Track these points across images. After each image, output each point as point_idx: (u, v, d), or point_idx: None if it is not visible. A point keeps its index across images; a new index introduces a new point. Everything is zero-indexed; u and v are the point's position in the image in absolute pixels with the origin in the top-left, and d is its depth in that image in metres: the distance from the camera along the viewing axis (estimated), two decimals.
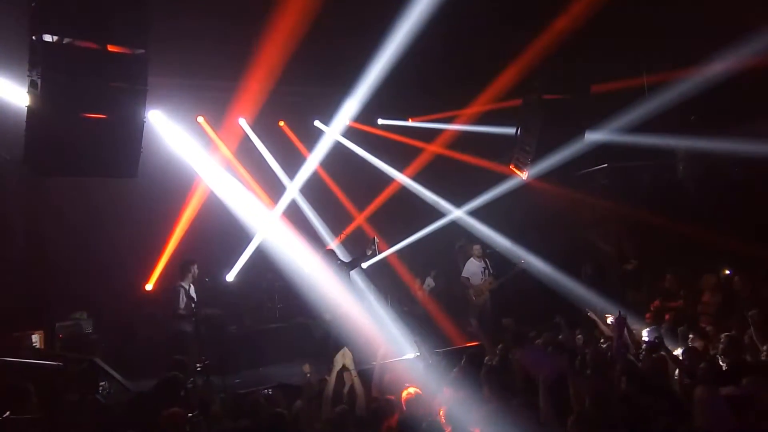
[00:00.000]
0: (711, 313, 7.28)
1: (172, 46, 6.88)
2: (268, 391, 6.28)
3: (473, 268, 10.03)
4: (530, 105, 8.76)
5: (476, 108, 10.46)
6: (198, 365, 5.37)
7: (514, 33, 8.12)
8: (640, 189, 10.11)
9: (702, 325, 6.73)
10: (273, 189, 10.74)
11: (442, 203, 11.05)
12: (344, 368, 5.30)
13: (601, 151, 9.25)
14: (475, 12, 7.84)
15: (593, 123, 8.90)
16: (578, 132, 8.68)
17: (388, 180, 11.61)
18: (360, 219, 11.54)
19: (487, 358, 6.04)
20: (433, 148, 11.33)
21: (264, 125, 10.77)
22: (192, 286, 7.60)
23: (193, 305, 7.32)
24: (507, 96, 9.51)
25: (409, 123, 11.80)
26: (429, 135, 11.41)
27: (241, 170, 10.50)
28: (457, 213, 10.83)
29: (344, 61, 8.88)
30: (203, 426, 3.55)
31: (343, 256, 9.53)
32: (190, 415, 3.65)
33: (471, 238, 10.74)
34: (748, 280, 7.30)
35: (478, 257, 10.09)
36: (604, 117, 8.97)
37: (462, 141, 11.02)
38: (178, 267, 7.72)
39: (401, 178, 11.55)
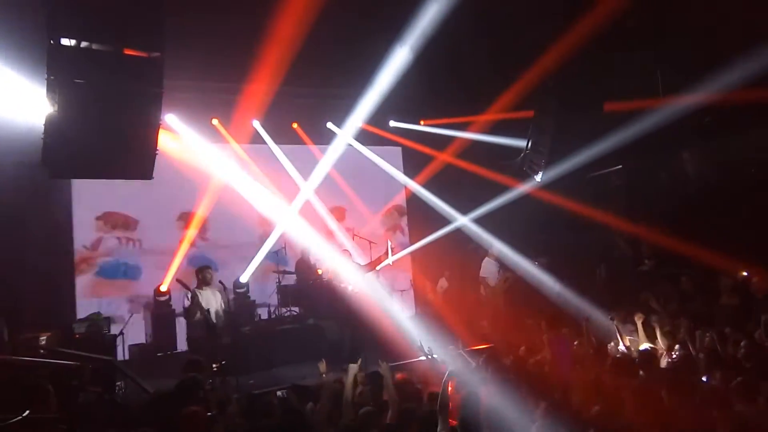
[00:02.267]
0: (728, 315, 7.19)
1: (186, 50, 6.96)
2: (283, 393, 6.29)
3: (490, 267, 10.07)
4: (544, 106, 8.72)
5: (489, 116, 10.45)
6: (214, 365, 5.39)
7: (531, 38, 8.12)
8: (656, 190, 10.01)
9: (719, 328, 6.65)
10: (288, 190, 10.79)
11: (454, 209, 11.04)
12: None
13: (615, 152, 9.17)
14: (492, 15, 7.85)
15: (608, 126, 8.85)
16: (592, 134, 8.65)
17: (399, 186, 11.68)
18: (374, 220, 11.59)
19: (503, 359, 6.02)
20: (444, 157, 11.32)
21: (278, 127, 10.83)
22: (209, 291, 7.53)
23: (207, 311, 7.29)
24: (521, 104, 9.47)
25: (421, 126, 11.79)
26: (441, 142, 11.40)
27: (256, 171, 10.55)
28: (468, 217, 10.80)
29: (357, 63, 8.90)
30: (221, 426, 3.56)
31: (359, 258, 9.58)
32: (209, 414, 3.68)
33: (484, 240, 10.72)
34: (765, 282, 7.20)
35: (494, 257, 10.12)
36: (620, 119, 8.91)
37: (474, 149, 10.98)
38: (195, 272, 7.67)
39: (415, 184, 11.60)
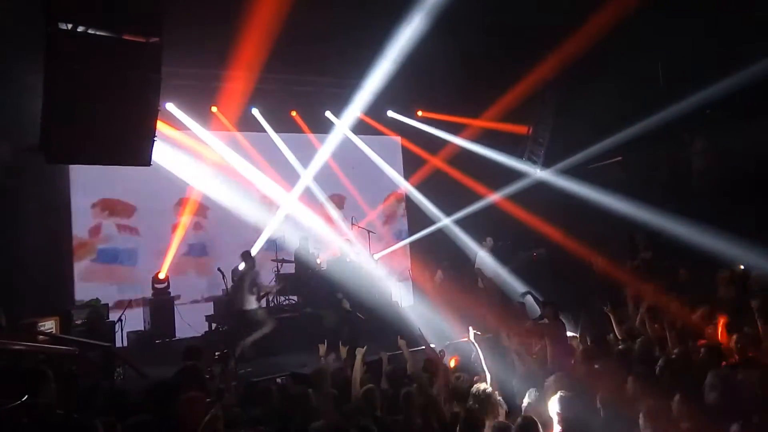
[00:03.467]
0: (724, 309, 7.20)
1: (185, 37, 6.90)
2: (281, 380, 6.31)
3: (486, 258, 10.08)
4: (545, 97, 8.73)
5: (484, 123, 10.58)
6: (216, 353, 5.41)
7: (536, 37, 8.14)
8: (656, 182, 10.00)
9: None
10: (286, 178, 10.76)
11: (452, 203, 11.09)
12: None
13: (615, 143, 9.19)
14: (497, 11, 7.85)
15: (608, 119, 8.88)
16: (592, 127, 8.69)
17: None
18: (374, 210, 11.59)
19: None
20: (436, 162, 11.46)
21: (277, 115, 10.79)
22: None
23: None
24: (520, 109, 9.52)
25: (418, 121, 11.74)
26: (437, 143, 11.48)
27: (255, 159, 10.52)
28: (464, 212, 10.84)
29: (357, 51, 8.84)
30: (220, 412, 3.57)
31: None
32: (208, 400, 3.69)
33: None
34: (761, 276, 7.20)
35: (489, 248, 10.15)
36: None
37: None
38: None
39: (408, 185, 11.77)
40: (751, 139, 8.47)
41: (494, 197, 10.62)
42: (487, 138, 10.77)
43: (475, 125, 10.90)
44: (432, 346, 6.46)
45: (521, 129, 10.01)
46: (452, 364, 5.65)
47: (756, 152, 8.45)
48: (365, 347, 5.53)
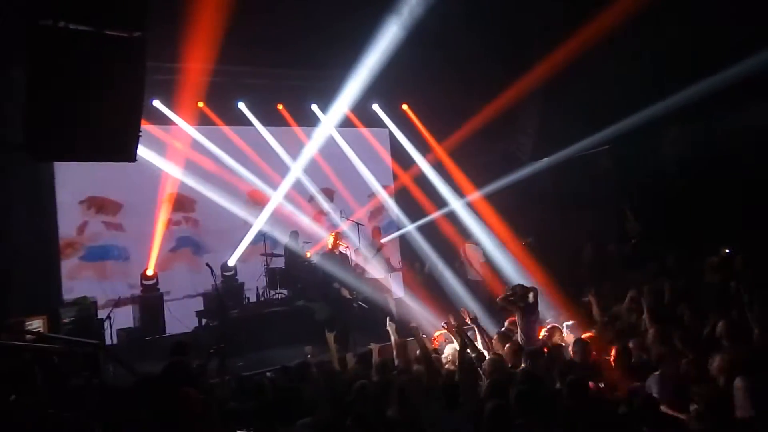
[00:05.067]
0: (711, 293, 7.28)
1: (169, 31, 6.84)
2: (271, 374, 6.32)
3: (475, 251, 10.14)
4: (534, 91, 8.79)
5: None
6: (212, 348, 5.39)
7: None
8: (643, 169, 10.08)
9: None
10: (275, 172, 10.71)
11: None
12: None
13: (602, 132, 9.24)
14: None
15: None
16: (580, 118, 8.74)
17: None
18: (363, 202, 11.60)
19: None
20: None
21: (263, 109, 10.72)
22: None
23: None
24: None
25: (402, 115, 11.72)
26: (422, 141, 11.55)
27: (242, 153, 10.45)
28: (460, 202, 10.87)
29: (344, 44, 8.80)
30: (214, 407, 3.58)
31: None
32: (201, 396, 3.70)
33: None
34: (747, 261, 7.29)
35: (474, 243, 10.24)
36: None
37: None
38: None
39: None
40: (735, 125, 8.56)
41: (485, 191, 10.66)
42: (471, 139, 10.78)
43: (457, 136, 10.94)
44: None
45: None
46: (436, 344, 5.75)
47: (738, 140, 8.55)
48: (334, 332, 5.63)
